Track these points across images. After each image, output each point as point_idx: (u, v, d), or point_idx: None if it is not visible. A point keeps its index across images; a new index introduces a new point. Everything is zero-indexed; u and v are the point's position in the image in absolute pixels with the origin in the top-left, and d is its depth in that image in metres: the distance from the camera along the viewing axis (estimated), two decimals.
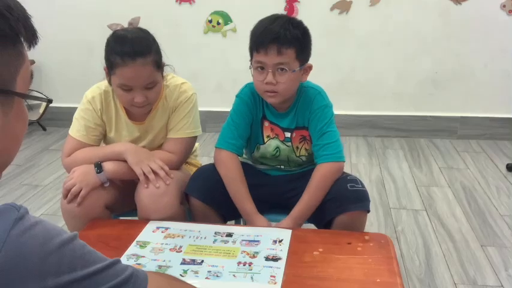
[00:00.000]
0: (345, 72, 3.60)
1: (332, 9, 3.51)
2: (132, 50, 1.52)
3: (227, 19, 3.62)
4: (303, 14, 3.48)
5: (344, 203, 1.50)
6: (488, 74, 3.50)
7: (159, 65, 1.59)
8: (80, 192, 1.55)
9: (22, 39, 0.69)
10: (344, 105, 3.50)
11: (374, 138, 3.66)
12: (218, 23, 3.62)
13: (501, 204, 2.59)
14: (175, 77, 1.74)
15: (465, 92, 3.56)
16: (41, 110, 3.57)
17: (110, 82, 1.63)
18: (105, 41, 1.59)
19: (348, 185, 1.53)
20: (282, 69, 1.51)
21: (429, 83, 3.59)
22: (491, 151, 3.38)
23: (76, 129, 1.68)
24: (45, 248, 0.65)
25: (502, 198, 2.67)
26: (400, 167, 3.13)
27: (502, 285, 1.92)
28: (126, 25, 1.64)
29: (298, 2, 3.50)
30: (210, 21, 3.63)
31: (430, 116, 3.64)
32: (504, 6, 3.37)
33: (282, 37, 1.48)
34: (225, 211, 1.63)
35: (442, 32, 3.46)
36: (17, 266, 0.63)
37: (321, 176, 1.56)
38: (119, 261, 0.74)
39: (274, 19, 1.54)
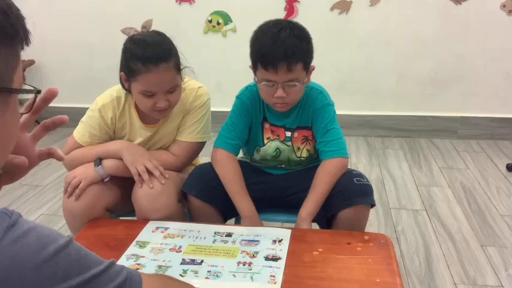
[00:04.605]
0: (345, 72, 3.60)
1: (332, 9, 3.51)
2: (154, 56, 1.49)
3: (227, 19, 3.61)
4: (303, 14, 3.48)
5: (351, 196, 1.51)
6: (488, 74, 3.50)
7: (179, 68, 1.58)
8: (79, 185, 1.55)
9: (18, 39, 0.68)
10: (344, 105, 3.49)
11: (374, 138, 3.66)
12: (218, 23, 3.62)
13: (501, 204, 2.59)
14: (191, 80, 1.72)
15: (465, 92, 3.56)
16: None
17: (125, 88, 1.60)
18: (123, 46, 1.55)
19: (354, 179, 1.55)
20: (292, 84, 1.51)
21: (429, 83, 3.58)
22: (491, 151, 3.37)
23: (81, 134, 1.67)
24: (38, 257, 0.62)
25: (502, 198, 2.67)
26: (400, 167, 3.12)
27: (502, 285, 1.92)
28: (139, 29, 1.62)
29: (298, 2, 3.50)
30: (210, 21, 3.63)
31: (430, 116, 3.64)
32: (504, 6, 3.37)
33: (290, 55, 1.47)
34: (224, 208, 1.63)
35: (442, 32, 3.46)
36: (10, 277, 0.60)
37: (327, 172, 1.57)
38: (113, 264, 0.71)
39: (277, 31, 1.49)
